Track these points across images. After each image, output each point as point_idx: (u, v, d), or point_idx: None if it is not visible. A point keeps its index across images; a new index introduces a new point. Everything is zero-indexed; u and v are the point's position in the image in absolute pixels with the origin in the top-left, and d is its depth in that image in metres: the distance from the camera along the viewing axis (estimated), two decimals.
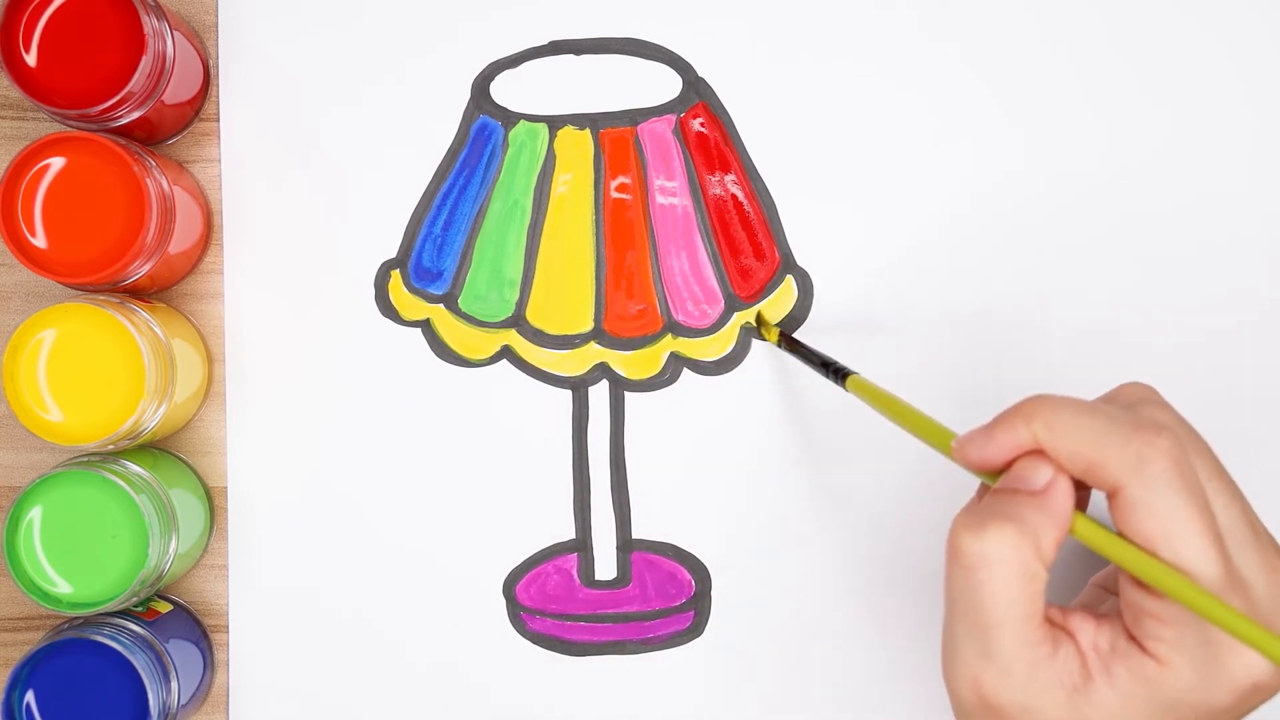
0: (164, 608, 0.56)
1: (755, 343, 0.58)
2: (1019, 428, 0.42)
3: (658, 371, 0.58)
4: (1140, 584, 0.41)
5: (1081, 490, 0.45)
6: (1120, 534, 0.41)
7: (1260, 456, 0.57)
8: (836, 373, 0.52)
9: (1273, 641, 0.39)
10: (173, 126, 0.57)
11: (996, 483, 0.43)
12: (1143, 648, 0.42)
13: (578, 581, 0.58)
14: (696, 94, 0.58)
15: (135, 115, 0.53)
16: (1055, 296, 0.58)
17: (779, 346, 0.56)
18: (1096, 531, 0.42)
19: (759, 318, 0.57)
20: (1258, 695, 0.42)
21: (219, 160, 0.58)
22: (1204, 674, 0.41)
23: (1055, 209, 0.57)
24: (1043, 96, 0.57)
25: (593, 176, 0.58)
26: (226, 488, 0.58)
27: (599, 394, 0.58)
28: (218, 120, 0.58)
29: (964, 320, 0.58)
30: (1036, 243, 0.58)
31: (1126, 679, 0.41)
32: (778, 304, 0.58)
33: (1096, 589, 0.48)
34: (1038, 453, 0.42)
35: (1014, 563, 0.41)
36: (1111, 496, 0.41)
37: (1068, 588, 0.55)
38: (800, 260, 0.58)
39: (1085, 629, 0.43)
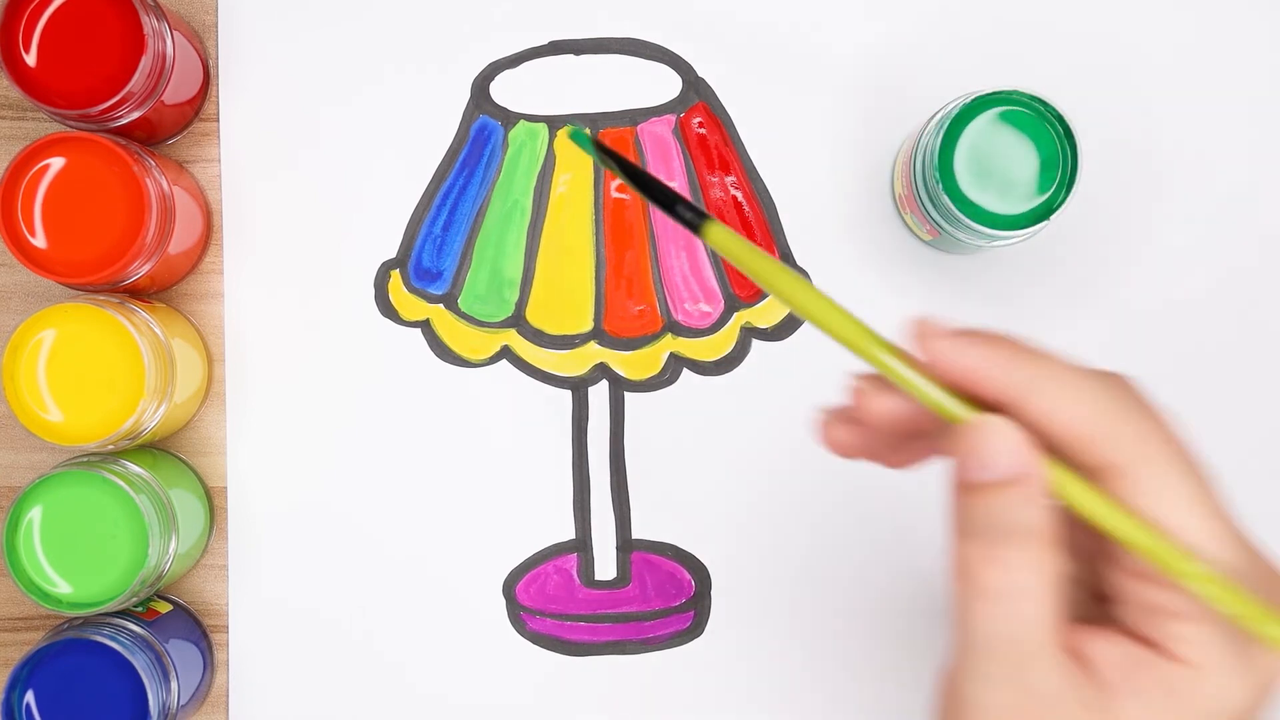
0: (164, 608, 0.56)
1: (755, 342, 0.58)
2: (1015, 363, 0.36)
3: (658, 371, 0.58)
4: (1145, 577, 0.36)
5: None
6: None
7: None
8: (691, 212, 0.40)
9: None
10: (173, 126, 0.57)
11: (958, 475, 0.37)
12: (1166, 652, 0.36)
13: (578, 582, 0.58)
14: (696, 94, 0.58)
15: (135, 115, 0.53)
16: (1060, 299, 0.58)
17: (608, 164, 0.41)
18: (1098, 504, 0.35)
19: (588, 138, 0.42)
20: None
21: (219, 160, 0.58)
22: (1238, 674, 0.36)
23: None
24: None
25: (592, 176, 0.58)
26: (226, 488, 0.58)
27: (599, 394, 0.58)
28: (218, 120, 0.58)
29: (963, 320, 0.58)
30: (1038, 239, 0.58)
31: (1153, 691, 0.36)
32: (778, 304, 0.58)
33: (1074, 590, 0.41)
34: (992, 422, 0.36)
35: (1039, 580, 0.35)
36: (1105, 477, 0.36)
37: None
38: (800, 260, 0.58)
39: (1089, 640, 0.37)
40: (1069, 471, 0.36)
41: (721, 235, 0.38)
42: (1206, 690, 0.35)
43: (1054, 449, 0.36)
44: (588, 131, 0.54)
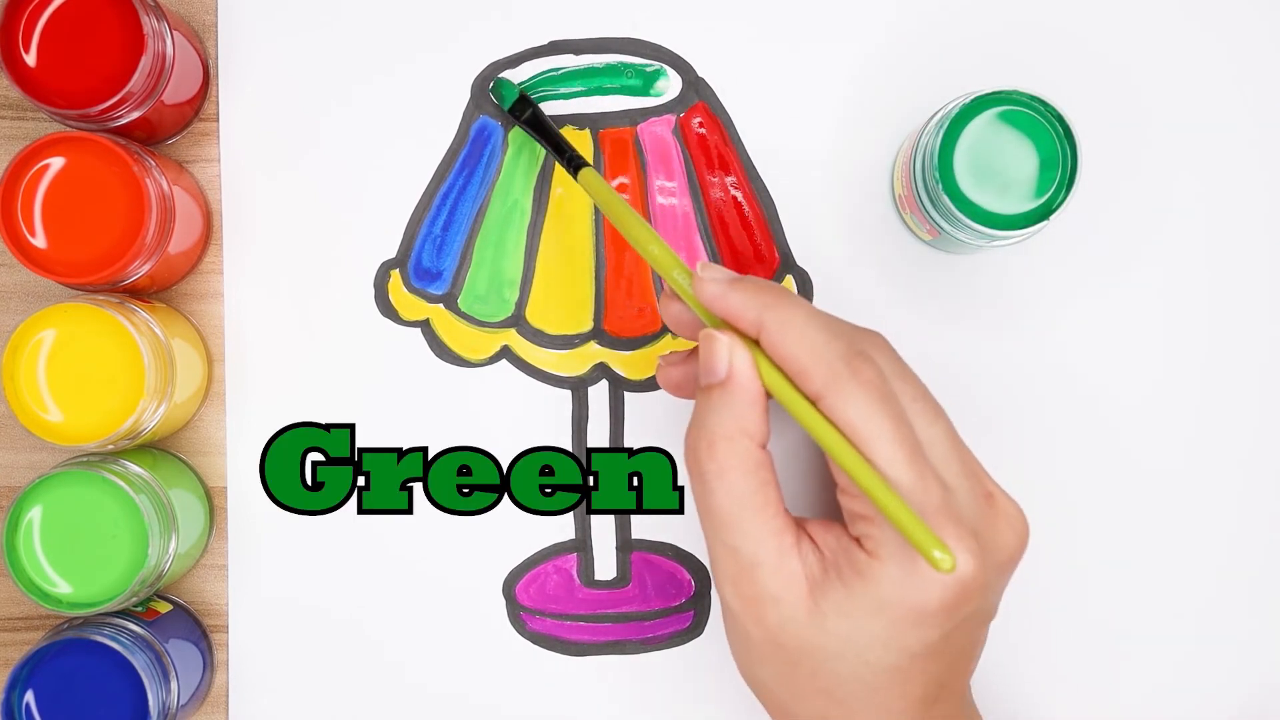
0: (164, 608, 0.56)
1: None
2: (754, 304, 0.45)
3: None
4: (849, 491, 0.45)
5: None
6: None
7: None
8: (570, 161, 0.54)
9: (927, 539, 0.41)
10: (173, 126, 0.57)
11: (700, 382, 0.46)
12: (859, 544, 0.45)
13: (577, 581, 0.58)
14: (696, 94, 0.58)
15: (135, 115, 0.53)
16: (1060, 298, 0.58)
17: (514, 115, 0.56)
18: (789, 393, 0.45)
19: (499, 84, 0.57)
20: (965, 597, 0.44)
21: (219, 160, 0.58)
22: (908, 570, 0.44)
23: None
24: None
25: None
26: (226, 488, 0.58)
27: (599, 394, 0.58)
28: (217, 120, 0.58)
29: (963, 320, 0.58)
30: (1038, 239, 0.58)
31: (849, 571, 0.44)
32: None
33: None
34: (714, 335, 0.46)
35: (739, 463, 0.45)
36: (817, 403, 0.44)
37: None
38: (800, 260, 0.58)
39: (819, 530, 0.46)
40: (797, 392, 0.45)
41: (590, 178, 0.53)
42: (884, 578, 0.44)
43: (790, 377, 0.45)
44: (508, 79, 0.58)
